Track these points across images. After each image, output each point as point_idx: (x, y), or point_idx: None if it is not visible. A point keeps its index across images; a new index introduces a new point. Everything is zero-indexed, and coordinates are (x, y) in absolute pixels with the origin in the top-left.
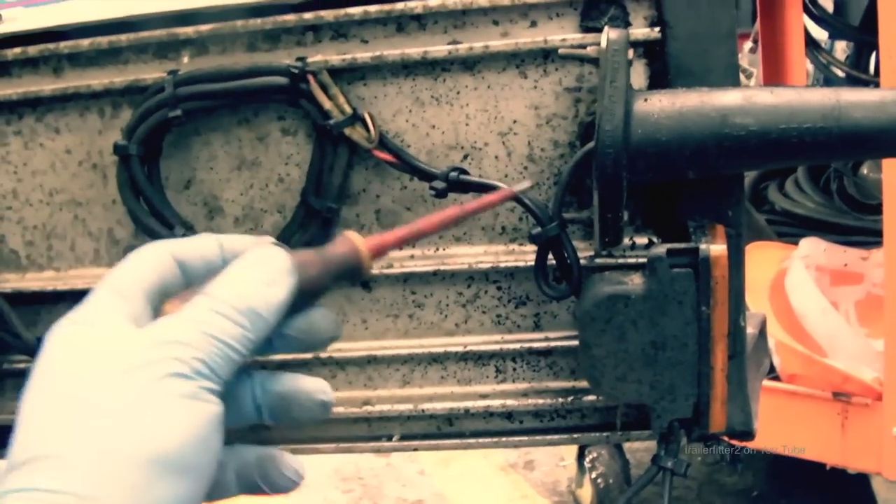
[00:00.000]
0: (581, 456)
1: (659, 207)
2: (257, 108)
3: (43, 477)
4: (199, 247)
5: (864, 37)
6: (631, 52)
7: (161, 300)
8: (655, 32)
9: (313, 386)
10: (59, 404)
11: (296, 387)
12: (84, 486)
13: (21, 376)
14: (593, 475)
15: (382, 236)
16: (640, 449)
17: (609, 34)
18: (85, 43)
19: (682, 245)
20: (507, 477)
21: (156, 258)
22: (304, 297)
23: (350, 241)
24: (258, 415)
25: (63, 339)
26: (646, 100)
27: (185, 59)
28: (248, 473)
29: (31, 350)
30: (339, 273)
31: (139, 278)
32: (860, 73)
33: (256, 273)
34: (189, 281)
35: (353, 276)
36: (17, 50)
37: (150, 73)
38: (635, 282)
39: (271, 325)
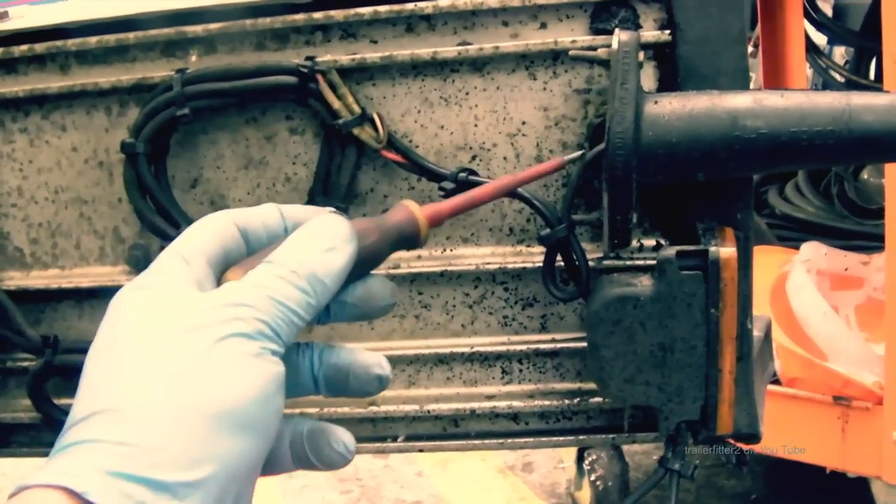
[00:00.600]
0: (580, 458)
1: (668, 209)
2: (265, 108)
3: (107, 429)
4: (261, 215)
5: (864, 42)
6: (641, 55)
7: (223, 267)
8: (666, 35)
9: (371, 359)
10: (123, 361)
11: (354, 359)
12: (148, 438)
13: (25, 374)
14: (592, 477)
15: (438, 205)
16: (638, 452)
17: (620, 36)
18: (92, 41)
19: (692, 247)
20: (505, 479)
21: (218, 226)
22: (363, 264)
23: (407, 209)
24: (315, 385)
25: (127, 301)
26: (656, 102)
27: (193, 58)
28: (299, 445)
29: (35, 348)
30: (396, 240)
31: (202, 245)
32: (860, 78)
33: (318, 240)
34: (251, 249)
35: (411, 243)
36: (24, 47)
37: (158, 71)
38: (644, 284)
39: (332, 290)
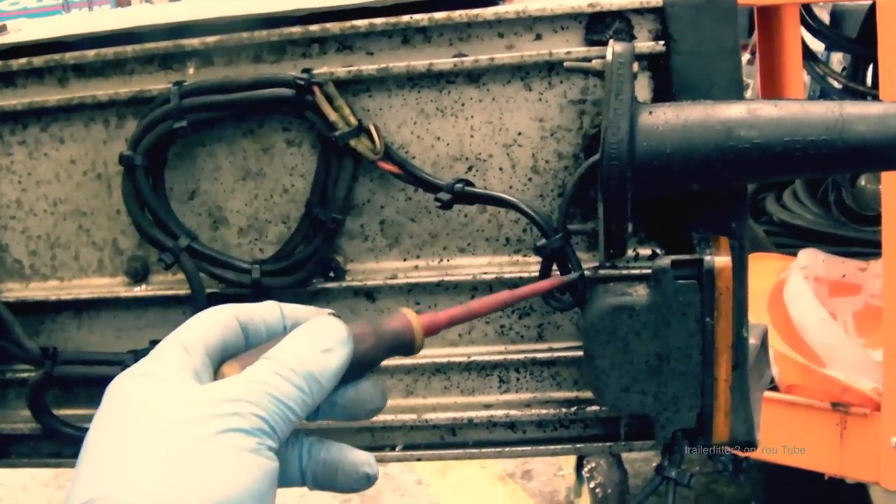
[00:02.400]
0: (579, 466)
1: (663, 219)
2: (262, 120)
3: None
4: (262, 311)
5: (861, 49)
6: (636, 66)
7: (221, 359)
8: (660, 46)
9: (360, 458)
10: (121, 449)
11: (343, 457)
12: None
13: (24, 385)
14: (592, 485)
15: (436, 315)
16: (637, 459)
17: (614, 47)
18: (90, 54)
19: (687, 257)
20: (504, 487)
21: (220, 319)
22: (357, 367)
23: (405, 318)
24: (302, 478)
25: (125, 388)
26: (651, 113)
27: (191, 71)
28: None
29: (35, 359)
30: (391, 347)
31: (202, 336)
32: (857, 85)
33: (316, 341)
34: (250, 343)
35: (405, 350)
36: (23, 60)
37: (156, 84)
38: (639, 293)
39: (327, 390)
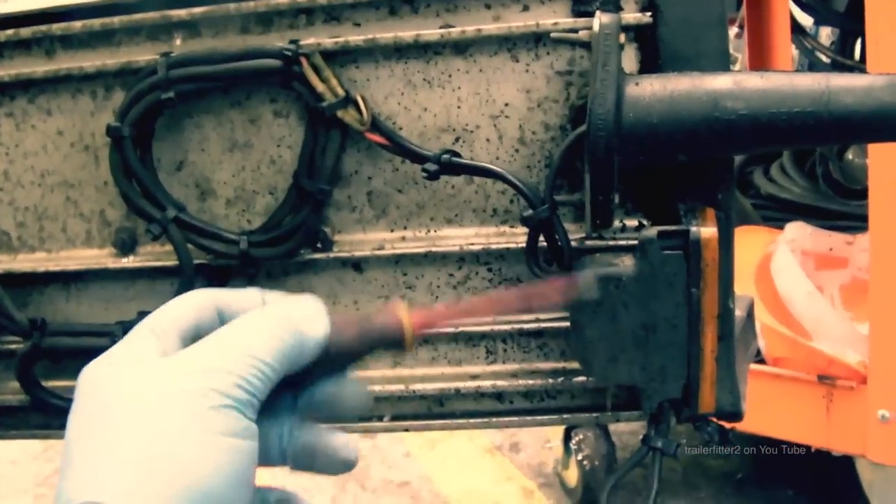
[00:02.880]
0: (567, 438)
1: (649, 190)
2: (250, 91)
3: None
4: (242, 298)
5: (849, 23)
6: (622, 37)
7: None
8: (647, 17)
9: (339, 442)
10: (92, 445)
11: (322, 440)
12: None
13: (12, 356)
14: (579, 457)
15: (430, 311)
16: (625, 431)
17: (601, 18)
18: (77, 25)
19: (673, 227)
20: (492, 459)
21: (197, 303)
22: (338, 357)
23: (394, 314)
24: (282, 459)
25: (94, 377)
26: (637, 84)
27: (178, 42)
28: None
29: (23, 331)
30: (377, 341)
31: (176, 319)
32: (845, 59)
33: (296, 308)
34: None
35: (394, 347)
36: (9, 32)
37: (143, 55)
38: (626, 264)
39: (304, 356)
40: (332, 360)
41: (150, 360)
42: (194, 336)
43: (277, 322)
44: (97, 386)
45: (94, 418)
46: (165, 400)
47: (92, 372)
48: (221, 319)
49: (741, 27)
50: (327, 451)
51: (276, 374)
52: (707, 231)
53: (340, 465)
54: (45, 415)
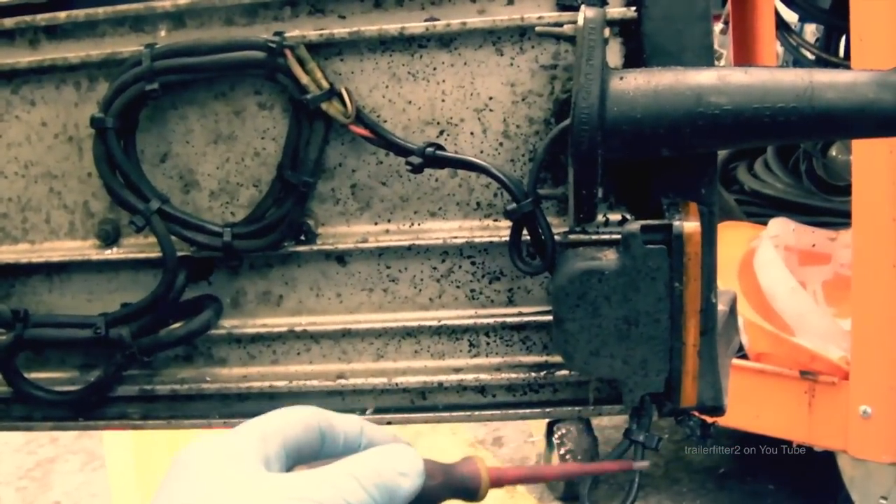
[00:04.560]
0: (550, 432)
1: (633, 184)
2: (234, 83)
3: None
4: (344, 423)
5: (834, 20)
6: (607, 31)
7: (296, 457)
8: (631, 12)
9: None
10: None
11: None
12: None
13: None
14: (561, 451)
15: (505, 470)
16: (608, 426)
17: (585, 13)
18: (62, 15)
19: (656, 222)
20: (475, 453)
21: (302, 418)
22: (421, 500)
23: (475, 465)
24: None
25: (197, 454)
26: (621, 78)
27: (163, 33)
28: None
29: (6, 322)
30: (457, 489)
31: (282, 429)
32: (830, 56)
33: (394, 462)
34: (325, 451)
35: (469, 496)
36: None
37: (127, 46)
38: (609, 258)
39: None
40: (417, 501)
41: (251, 460)
42: (297, 449)
43: (373, 476)
44: (196, 470)
45: (183, 491)
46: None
47: (195, 449)
48: (322, 439)
49: (726, 23)
50: None
51: None
52: (690, 225)
53: None
54: (27, 406)
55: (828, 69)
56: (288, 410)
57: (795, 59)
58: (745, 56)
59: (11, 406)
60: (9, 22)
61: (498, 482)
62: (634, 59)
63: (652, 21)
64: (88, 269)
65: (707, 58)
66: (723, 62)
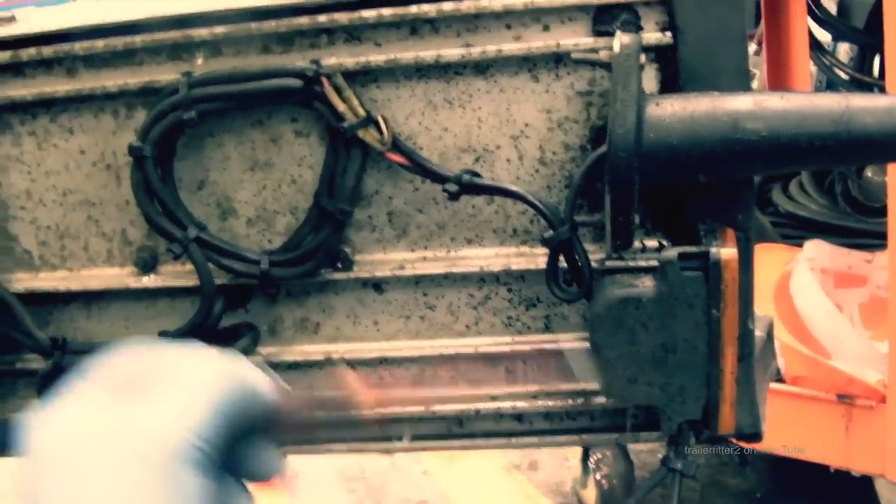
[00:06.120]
0: (586, 457)
1: (669, 211)
2: (271, 110)
3: None
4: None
5: (868, 39)
6: (643, 57)
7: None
8: (667, 37)
9: None
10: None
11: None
12: None
13: (34, 375)
14: (598, 476)
15: (384, 391)
16: (644, 450)
17: (621, 39)
18: (99, 44)
19: (693, 248)
20: (511, 477)
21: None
22: (282, 424)
23: (351, 391)
24: None
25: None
26: (657, 104)
27: (200, 61)
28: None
29: (44, 349)
30: (332, 412)
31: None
32: (864, 75)
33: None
34: None
35: (347, 407)
36: (32, 50)
37: (165, 74)
38: (646, 285)
39: (255, 409)
40: (280, 425)
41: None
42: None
43: (225, 376)
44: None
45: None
46: (118, 449)
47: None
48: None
49: (760, 44)
50: None
51: (227, 425)
52: (727, 252)
53: None
54: None
55: (864, 94)
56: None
57: (829, 79)
58: (778, 76)
59: None
60: (47, 51)
61: (381, 402)
62: (670, 84)
63: (687, 46)
64: (126, 296)
65: (743, 82)
66: (756, 82)
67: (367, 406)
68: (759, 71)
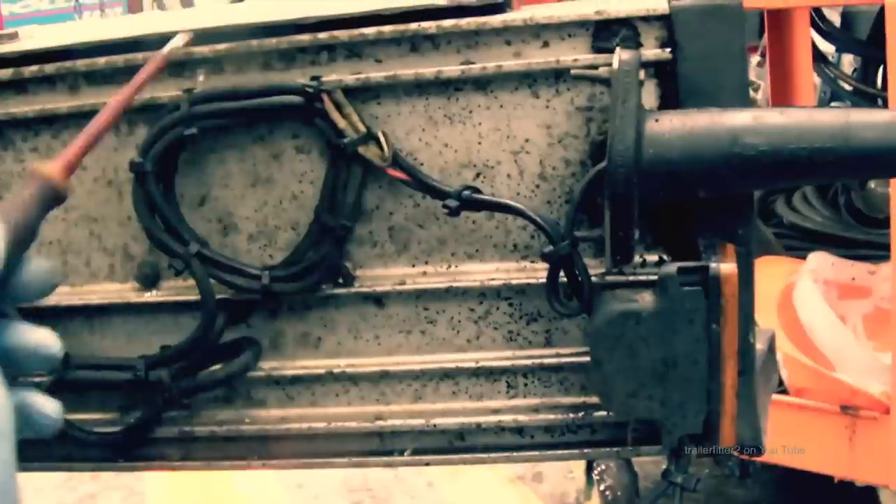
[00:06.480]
0: (589, 468)
1: (669, 225)
2: (272, 127)
3: None
4: None
5: (872, 51)
6: (642, 73)
7: None
8: (666, 53)
9: (37, 338)
10: None
11: (22, 341)
12: None
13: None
14: (601, 487)
15: (66, 153)
16: (647, 462)
17: (620, 55)
18: (101, 61)
19: (693, 263)
20: (515, 489)
21: None
22: (21, 240)
23: (38, 173)
24: None
25: None
26: (657, 120)
27: (201, 78)
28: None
29: None
30: (41, 206)
31: None
32: (867, 87)
33: None
34: None
35: (56, 202)
36: (34, 68)
37: (166, 91)
38: (646, 299)
39: None
40: (19, 242)
41: None
42: None
43: None
44: None
45: None
46: None
47: None
48: None
49: (763, 55)
50: (28, 350)
51: None
52: (727, 267)
53: (45, 362)
54: (67, 447)
55: (864, 109)
56: None
57: (833, 91)
58: (782, 88)
59: (52, 447)
60: (49, 68)
61: (68, 169)
62: (670, 100)
63: (687, 62)
64: (128, 311)
65: (743, 98)
66: (760, 94)
67: (63, 183)
68: (763, 82)
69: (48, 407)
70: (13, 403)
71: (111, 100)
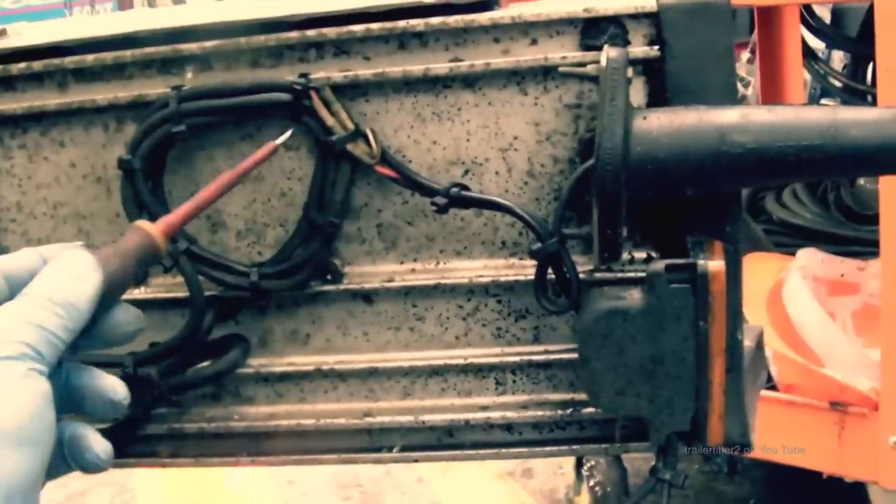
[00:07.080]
0: (579, 464)
1: (658, 223)
2: (260, 124)
3: None
4: (21, 259)
5: (861, 48)
6: (630, 71)
7: None
8: (654, 51)
9: (106, 384)
10: None
11: (91, 382)
12: None
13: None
14: (591, 483)
15: (169, 217)
16: (637, 458)
17: (609, 53)
18: (90, 58)
19: (681, 261)
20: (505, 485)
21: None
22: (112, 290)
23: (141, 229)
24: (62, 405)
25: None
26: (645, 118)
27: (189, 75)
28: (59, 451)
29: None
30: (138, 260)
31: None
32: (857, 83)
33: (66, 272)
34: (14, 293)
35: (153, 259)
36: (22, 65)
37: (154, 88)
38: (634, 297)
39: (85, 315)
40: (108, 292)
41: None
42: None
43: (51, 292)
44: None
45: None
46: None
47: None
48: (9, 283)
49: (753, 52)
50: (94, 393)
51: (64, 343)
52: (714, 265)
53: (109, 407)
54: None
55: (852, 107)
56: None
57: (823, 88)
58: (772, 85)
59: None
60: (38, 65)
61: (170, 232)
62: (658, 98)
63: (675, 60)
64: None
65: (730, 96)
66: (750, 89)
67: (164, 244)
68: (753, 79)
69: (98, 446)
70: (67, 435)
71: (224, 173)
